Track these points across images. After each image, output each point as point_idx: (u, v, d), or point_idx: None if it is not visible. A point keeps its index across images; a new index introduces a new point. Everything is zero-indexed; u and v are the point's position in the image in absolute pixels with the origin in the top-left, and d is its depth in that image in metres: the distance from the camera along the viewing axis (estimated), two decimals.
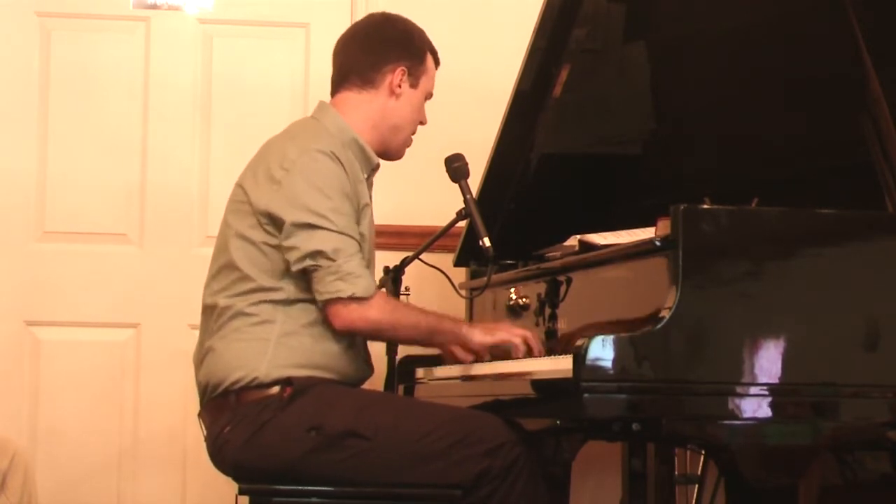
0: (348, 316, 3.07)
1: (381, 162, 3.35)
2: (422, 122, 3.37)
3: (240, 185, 3.23)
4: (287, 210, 3.09)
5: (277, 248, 3.12)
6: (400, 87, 3.29)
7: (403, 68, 3.29)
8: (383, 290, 3.11)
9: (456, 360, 3.30)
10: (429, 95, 3.37)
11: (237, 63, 4.43)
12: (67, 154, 4.35)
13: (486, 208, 3.45)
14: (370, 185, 3.31)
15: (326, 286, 3.06)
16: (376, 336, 3.14)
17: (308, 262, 3.07)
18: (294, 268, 3.09)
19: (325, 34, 4.42)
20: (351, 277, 3.06)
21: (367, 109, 3.28)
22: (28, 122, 4.35)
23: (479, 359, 3.25)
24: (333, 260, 3.06)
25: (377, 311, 3.09)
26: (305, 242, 3.07)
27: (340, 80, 3.32)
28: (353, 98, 3.29)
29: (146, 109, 4.39)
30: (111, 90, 4.39)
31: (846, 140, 3.08)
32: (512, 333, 3.21)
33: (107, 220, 4.37)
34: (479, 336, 3.20)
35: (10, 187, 4.33)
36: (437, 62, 3.39)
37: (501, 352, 3.23)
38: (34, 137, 4.35)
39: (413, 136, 3.38)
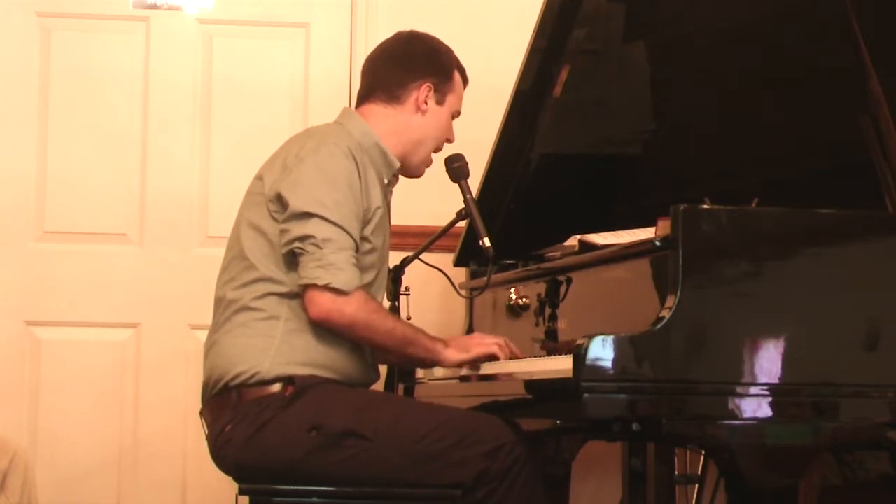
0: (322, 305, 3.07)
1: None
2: (448, 140, 3.37)
3: (259, 178, 3.25)
4: (291, 193, 3.11)
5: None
6: (426, 103, 3.30)
7: (429, 85, 3.30)
8: (364, 290, 3.10)
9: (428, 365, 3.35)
10: (456, 113, 3.37)
11: (237, 63, 4.43)
12: (67, 154, 4.35)
13: (486, 208, 3.45)
14: (391, 192, 3.32)
15: (307, 271, 3.07)
16: (349, 333, 3.12)
17: (296, 245, 3.08)
18: (283, 249, 3.11)
19: (325, 34, 4.44)
20: (333, 268, 3.06)
21: (392, 122, 3.29)
22: (28, 122, 4.35)
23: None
24: (321, 248, 3.06)
25: (354, 307, 3.08)
26: (299, 227, 3.08)
27: (366, 95, 3.33)
28: (379, 111, 3.30)
29: (146, 110, 4.39)
30: (111, 90, 4.39)
31: (846, 140, 3.08)
32: (487, 346, 3.20)
33: (107, 220, 4.36)
34: (454, 355, 3.19)
35: (10, 187, 4.33)
36: (465, 80, 3.39)
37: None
38: (34, 137, 4.35)
39: (435, 155, 3.37)
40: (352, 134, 3.24)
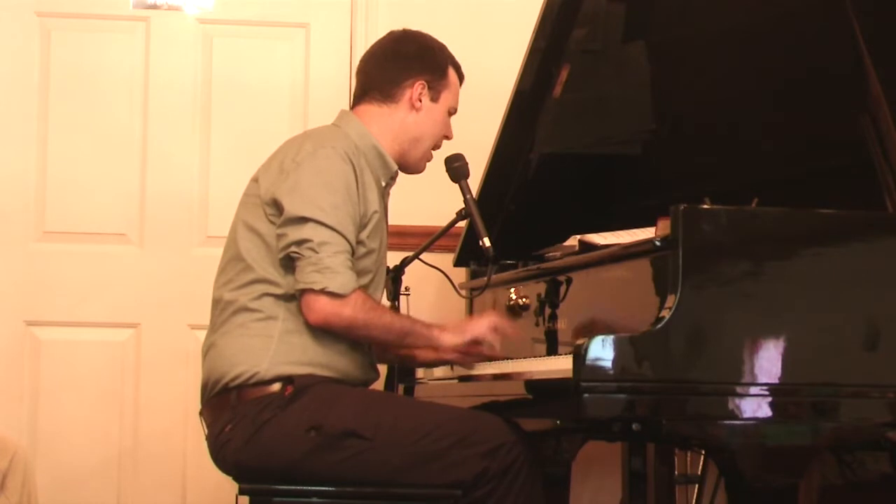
0: (320, 310, 3.07)
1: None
2: (447, 137, 3.37)
3: (255, 180, 3.25)
4: (287, 198, 3.11)
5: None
6: (420, 101, 3.29)
7: (423, 82, 3.29)
8: (361, 290, 3.11)
9: (428, 365, 3.42)
10: (453, 110, 3.36)
11: (237, 63, 4.43)
12: (67, 154, 4.35)
13: (486, 208, 3.45)
14: (388, 194, 3.32)
15: (304, 276, 3.07)
16: (348, 334, 3.13)
17: (293, 250, 3.09)
18: (280, 254, 3.11)
19: (325, 34, 4.44)
20: (329, 272, 3.06)
21: (387, 122, 3.29)
22: (28, 123, 4.35)
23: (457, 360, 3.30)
24: (317, 252, 3.07)
25: (351, 309, 3.08)
26: (296, 231, 3.09)
27: (361, 95, 3.33)
28: (374, 111, 3.30)
29: (146, 110, 4.39)
30: (111, 90, 4.39)
31: (846, 140, 3.08)
32: (480, 329, 3.21)
33: (107, 220, 4.37)
34: (450, 339, 3.20)
35: (10, 187, 4.33)
36: (460, 77, 3.38)
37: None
38: (34, 138, 4.35)
39: (434, 152, 3.37)
40: (349, 136, 3.24)
